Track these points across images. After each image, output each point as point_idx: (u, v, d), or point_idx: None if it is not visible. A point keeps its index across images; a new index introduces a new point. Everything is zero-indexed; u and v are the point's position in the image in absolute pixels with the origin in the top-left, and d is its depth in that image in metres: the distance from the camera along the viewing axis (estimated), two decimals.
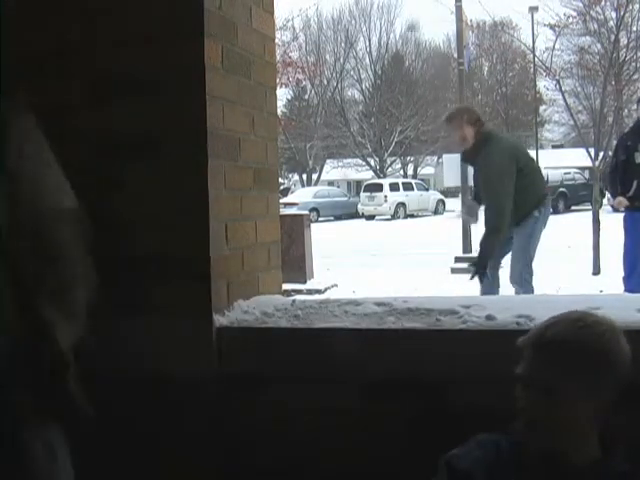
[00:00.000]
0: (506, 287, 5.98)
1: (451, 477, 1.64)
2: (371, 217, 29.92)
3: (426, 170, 45.09)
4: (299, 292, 9.23)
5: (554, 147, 47.05)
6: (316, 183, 40.32)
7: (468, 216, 6.75)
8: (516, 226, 5.82)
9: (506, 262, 6.10)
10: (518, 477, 1.61)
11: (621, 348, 1.60)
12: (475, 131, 5.70)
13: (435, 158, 42.94)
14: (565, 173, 29.56)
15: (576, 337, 1.59)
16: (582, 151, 14.72)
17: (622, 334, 1.62)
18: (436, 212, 32.01)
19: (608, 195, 18.98)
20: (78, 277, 1.37)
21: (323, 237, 16.05)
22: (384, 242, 17.96)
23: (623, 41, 16.08)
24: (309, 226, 11.49)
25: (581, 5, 17.04)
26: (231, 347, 2.15)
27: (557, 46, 17.71)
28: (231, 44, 2.30)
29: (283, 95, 36.91)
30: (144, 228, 2.18)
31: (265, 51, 2.53)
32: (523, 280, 5.92)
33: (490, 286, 6.10)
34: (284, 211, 12.80)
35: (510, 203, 5.58)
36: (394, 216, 29.84)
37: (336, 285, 10.45)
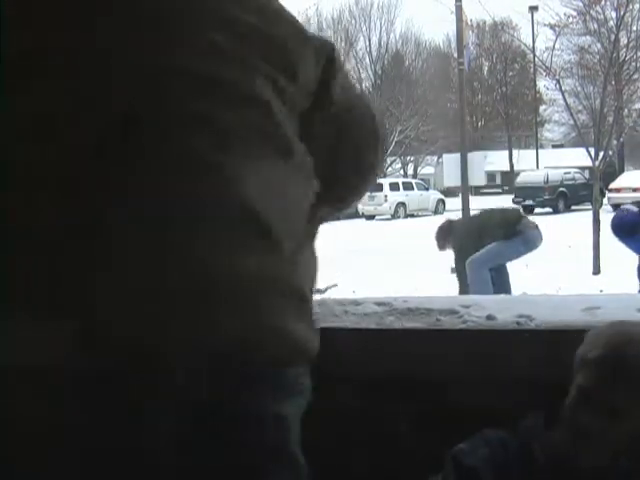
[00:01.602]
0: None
1: (457, 472, 1.63)
2: (371, 217, 29.90)
3: (426, 170, 45.09)
4: None
5: (554, 147, 47.06)
6: None
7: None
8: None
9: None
10: (525, 477, 1.61)
11: None
12: None
13: (435, 158, 42.97)
14: (565, 173, 29.57)
15: None
16: (582, 151, 14.73)
17: None
18: (436, 212, 31.98)
19: (608, 195, 18.94)
20: None
21: (323, 237, 16.01)
22: (384, 242, 17.95)
23: (623, 41, 16.07)
24: None
25: (581, 5, 17.05)
26: None
27: (557, 46, 17.69)
28: None
29: None
30: None
31: None
32: (477, 272, 6.36)
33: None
34: None
35: None
36: (394, 216, 29.84)
37: (336, 285, 10.46)
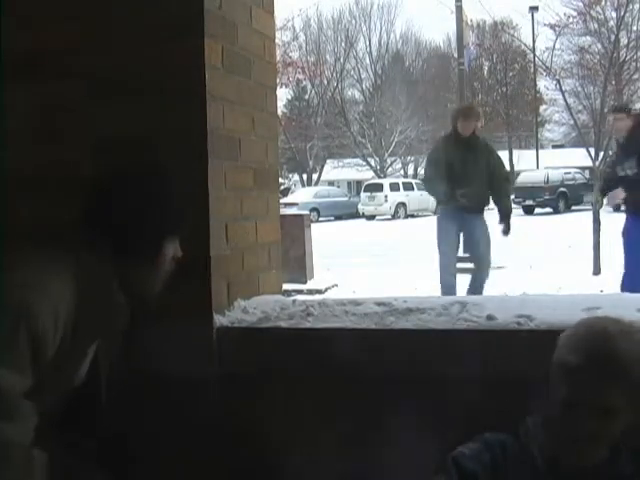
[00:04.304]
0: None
1: (458, 475, 1.63)
2: (371, 217, 29.89)
3: None
4: (299, 292, 9.22)
5: (554, 147, 47.03)
6: (316, 183, 40.30)
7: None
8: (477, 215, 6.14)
9: None
10: (524, 478, 1.61)
11: None
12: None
13: None
14: (565, 173, 29.52)
15: (634, 353, 1.54)
16: (582, 151, 14.73)
17: None
18: (436, 212, 31.93)
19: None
20: None
21: (323, 237, 16.03)
22: (384, 242, 17.95)
23: (623, 41, 16.11)
24: (309, 226, 11.48)
25: (581, 5, 17.08)
26: (231, 347, 2.15)
27: (557, 46, 17.75)
28: (231, 44, 2.30)
29: (283, 95, 36.93)
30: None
31: (265, 51, 2.53)
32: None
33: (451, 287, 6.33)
34: (284, 211, 12.79)
35: None
36: (394, 216, 29.82)
37: (336, 285, 10.44)
